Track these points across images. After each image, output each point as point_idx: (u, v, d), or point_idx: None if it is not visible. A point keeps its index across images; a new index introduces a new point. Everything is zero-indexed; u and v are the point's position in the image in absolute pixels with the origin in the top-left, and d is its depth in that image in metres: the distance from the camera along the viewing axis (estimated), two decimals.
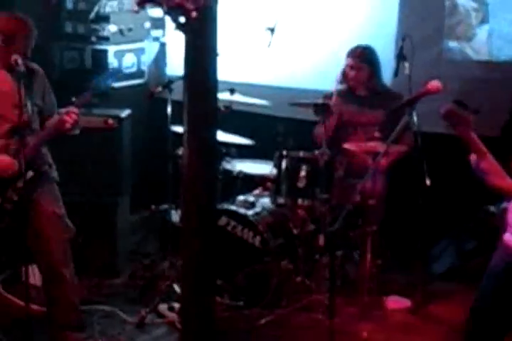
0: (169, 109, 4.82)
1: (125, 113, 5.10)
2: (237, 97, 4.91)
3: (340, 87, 5.00)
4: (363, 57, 4.91)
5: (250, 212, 4.71)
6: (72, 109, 3.85)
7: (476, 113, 3.06)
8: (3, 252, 4.43)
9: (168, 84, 4.83)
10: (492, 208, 4.77)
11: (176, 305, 4.38)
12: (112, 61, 5.79)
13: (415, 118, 4.17)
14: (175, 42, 6.02)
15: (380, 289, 4.61)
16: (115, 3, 5.80)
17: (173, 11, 3.02)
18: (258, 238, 4.59)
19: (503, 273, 3.18)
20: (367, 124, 4.88)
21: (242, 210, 4.71)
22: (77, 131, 4.05)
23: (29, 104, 3.83)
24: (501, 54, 5.15)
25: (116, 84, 5.39)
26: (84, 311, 4.27)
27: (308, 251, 4.72)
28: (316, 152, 4.71)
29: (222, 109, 4.61)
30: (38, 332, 3.83)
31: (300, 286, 4.65)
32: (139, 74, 6.09)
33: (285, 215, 4.83)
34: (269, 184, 4.93)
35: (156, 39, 6.29)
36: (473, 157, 3.12)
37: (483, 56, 5.21)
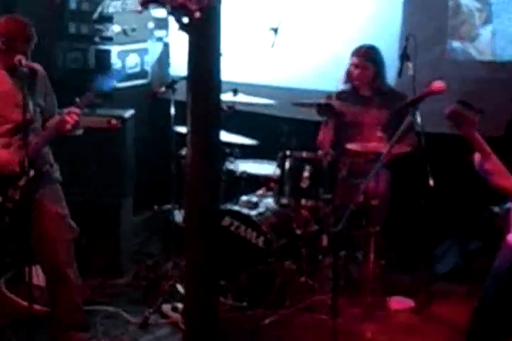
0: (172, 110, 4.82)
1: (128, 113, 5.10)
2: (241, 97, 4.91)
3: (345, 86, 5.01)
4: (367, 56, 4.92)
5: (253, 213, 4.71)
6: (74, 109, 3.86)
7: (481, 113, 3.06)
8: (7, 252, 4.44)
9: (171, 84, 4.83)
10: (496, 208, 4.76)
11: (180, 306, 4.38)
12: (116, 61, 5.79)
13: (419, 119, 4.17)
14: (178, 43, 6.01)
15: (383, 289, 4.60)
16: (118, 4, 5.80)
17: (176, 12, 3.03)
18: (261, 238, 4.59)
19: (507, 274, 3.18)
20: (370, 124, 4.87)
21: (245, 210, 4.70)
22: (79, 132, 4.05)
23: (31, 104, 3.85)
24: (505, 54, 5.15)
25: (120, 85, 5.39)
26: (87, 311, 4.28)
27: (311, 251, 4.72)
28: (320, 152, 4.71)
29: (226, 109, 4.60)
30: (38, 332, 3.84)
31: (303, 286, 4.65)
32: (142, 74, 6.09)
33: (288, 215, 4.82)
34: (272, 184, 4.93)
35: (160, 39, 6.29)
36: (476, 156, 3.12)
37: (487, 56, 5.21)
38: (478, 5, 5.17)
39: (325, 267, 4.68)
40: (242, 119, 5.15)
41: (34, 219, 3.86)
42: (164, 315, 4.45)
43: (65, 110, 3.88)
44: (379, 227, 4.53)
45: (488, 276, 3.27)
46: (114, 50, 5.78)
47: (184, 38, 3.18)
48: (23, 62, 3.74)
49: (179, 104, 4.48)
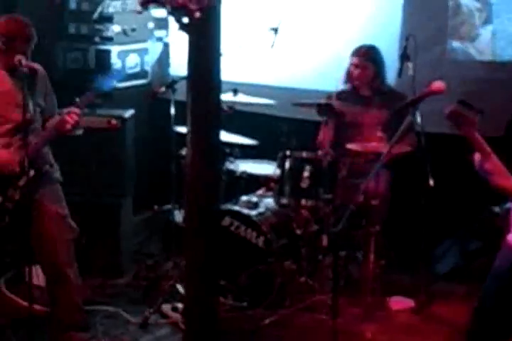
0: (172, 110, 4.81)
1: (128, 113, 5.10)
2: (241, 97, 4.91)
3: (345, 86, 5.01)
4: (367, 56, 4.92)
5: (254, 213, 4.71)
6: (74, 109, 3.86)
7: (481, 113, 3.06)
8: (7, 252, 4.44)
9: (171, 84, 4.83)
10: (496, 208, 4.77)
11: (180, 306, 4.38)
12: (116, 61, 5.79)
13: (419, 119, 4.17)
14: (178, 43, 6.01)
15: (383, 289, 4.60)
16: (118, 4, 5.80)
17: (176, 12, 3.03)
18: (261, 238, 4.59)
19: (507, 274, 3.17)
20: (370, 124, 4.87)
21: (245, 210, 4.70)
22: (79, 132, 4.05)
23: (31, 104, 3.85)
24: (505, 54, 5.15)
25: (120, 85, 5.38)
26: (87, 311, 4.28)
27: (311, 251, 4.72)
28: (320, 152, 4.71)
29: (226, 109, 4.60)
30: (38, 332, 3.84)
31: (303, 286, 4.65)
32: (142, 74, 6.09)
33: (288, 215, 4.82)
34: (272, 184, 4.92)
35: (160, 39, 6.29)
36: (476, 156, 3.12)
37: (487, 56, 5.21)
38: (478, 5, 5.17)
39: (325, 267, 4.67)
40: (242, 119, 5.15)
41: (34, 219, 3.87)
42: (164, 315, 4.45)
43: (65, 110, 3.88)
44: (379, 227, 4.53)
45: (488, 276, 3.27)
46: (114, 50, 5.78)
47: (184, 38, 3.18)
48: (23, 62, 3.74)
49: (179, 104, 4.48)
